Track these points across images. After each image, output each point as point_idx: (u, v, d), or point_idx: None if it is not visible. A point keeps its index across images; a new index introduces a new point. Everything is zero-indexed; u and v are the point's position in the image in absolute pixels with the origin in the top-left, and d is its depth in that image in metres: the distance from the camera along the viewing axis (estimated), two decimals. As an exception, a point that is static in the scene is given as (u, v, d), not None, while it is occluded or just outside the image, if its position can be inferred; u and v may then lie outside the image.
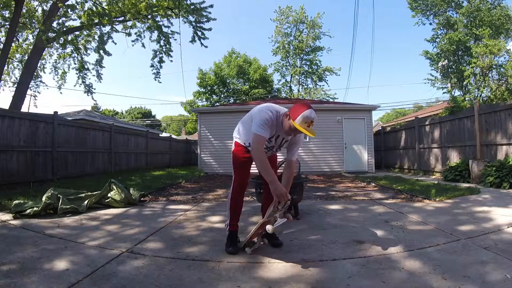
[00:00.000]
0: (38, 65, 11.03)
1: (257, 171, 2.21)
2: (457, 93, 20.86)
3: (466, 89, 19.16)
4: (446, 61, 21.01)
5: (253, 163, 2.26)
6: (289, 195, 2.05)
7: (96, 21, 9.56)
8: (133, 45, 12.04)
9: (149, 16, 10.57)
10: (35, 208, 3.27)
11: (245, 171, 2.31)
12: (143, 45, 11.77)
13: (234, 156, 2.35)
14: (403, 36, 73.02)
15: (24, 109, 10.86)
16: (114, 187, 4.10)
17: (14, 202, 3.42)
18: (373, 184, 6.63)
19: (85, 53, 11.63)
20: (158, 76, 12.36)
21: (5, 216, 3.23)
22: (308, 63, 27.44)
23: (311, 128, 2.02)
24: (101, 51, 10.96)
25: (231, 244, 2.20)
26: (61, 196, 3.55)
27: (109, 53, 11.20)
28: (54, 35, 9.37)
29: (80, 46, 11.31)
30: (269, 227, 1.98)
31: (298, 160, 4.31)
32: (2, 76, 9.74)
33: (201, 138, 11.31)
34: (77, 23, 11.65)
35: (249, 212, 3.57)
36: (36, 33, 10.01)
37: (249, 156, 2.26)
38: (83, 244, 2.38)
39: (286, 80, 28.42)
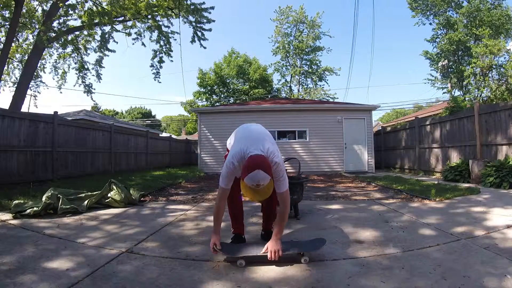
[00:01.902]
0: (38, 65, 11.02)
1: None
2: (457, 93, 20.88)
3: (466, 89, 19.17)
4: (446, 61, 21.01)
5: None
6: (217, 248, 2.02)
7: (96, 21, 9.56)
8: (133, 44, 12.10)
9: (149, 16, 10.57)
10: (35, 208, 3.27)
11: (227, 184, 2.15)
12: (143, 44, 11.78)
13: (226, 159, 2.24)
14: (403, 36, 73.13)
15: (24, 109, 10.88)
16: (114, 187, 4.10)
17: (14, 202, 3.43)
18: (373, 184, 6.63)
19: (85, 53, 11.65)
20: (158, 76, 12.38)
21: (5, 216, 3.23)
22: (308, 63, 27.45)
23: (262, 188, 1.87)
24: (104, 49, 10.98)
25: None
26: (61, 196, 3.55)
27: (112, 50, 11.24)
28: (54, 35, 9.37)
29: (80, 46, 11.33)
30: None
31: (298, 160, 4.33)
32: (2, 76, 9.73)
33: (201, 138, 11.31)
34: (77, 23, 11.68)
35: (249, 212, 3.57)
36: (36, 33, 10.02)
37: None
38: (83, 244, 2.38)
39: (286, 80, 28.45)
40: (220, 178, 2.12)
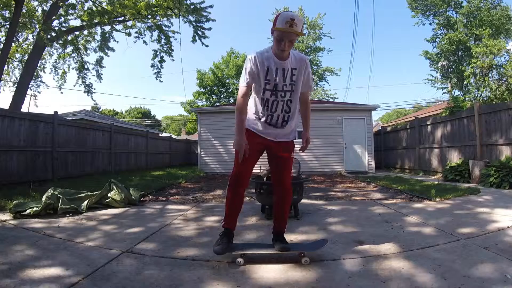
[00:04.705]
0: (38, 65, 11.03)
1: (256, 170, 2.17)
2: (457, 93, 20.89)
3: (466, 89, 19.15)
4: (446, 61, 21.01)
5: (259, 156, 2.20)
6: (246, 146, 1.96)
7: (96, 20, 9.56)
8: (135, 42, 12.08)
9: (149, 16, 10.58)
10: (35, 208, 3.27)
11: (245, 161, 2.03)
12: (144, 42, 11.82)
13: None
14: (403, 36, 73.12)
15: (24, 109, 10.86)
16: (114, 187, 4.09)
17: (14, 202, 3.42)
18: (373, 184, 6.63)
19: (85, 53, 11.65)
20: (159, 75, 12.38)
21: (5, 216, 3.23)
22: (310, 57, 27.41)
23: (295, 28, 1.82)
24: (104, 49, 10.99)
25: (221, 243, 2.01)
26: (61, 196, 3.55)
27: (112, 48, 11.25)
28: (54, 34, 9.37)
29: (80, 46, 11.33)
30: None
31: (298, 160, 4.32)
32: (2, 76, 9.72)
33: (201, 138, 11.31)
34: (77, 23, 11.67)
35: (249, 213, 3.56)
36: (36, 33, 10.01)
37: (254, 141, 2.07)
38: (83, 244, 2.37)
39: (286, 80, 28.37)
40: (240, 80, 2.04)
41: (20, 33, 11.04)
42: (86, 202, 3.73)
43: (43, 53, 10.78)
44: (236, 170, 2.10)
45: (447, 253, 2.10)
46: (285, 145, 2.17)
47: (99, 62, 11.83)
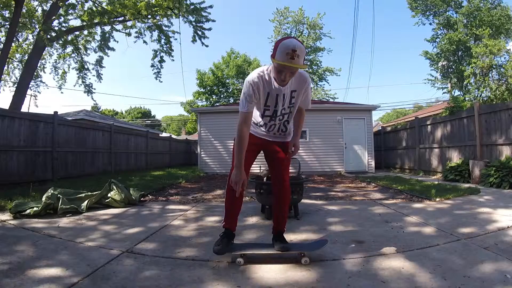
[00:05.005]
0: (38, 65, 11.03)
1: (257, 170, 2.17)
2: (457, 93, 20.90)
3: (466, 89, 19.15)
4: (446, 61, 21.01)
5: (257, 156, 2.18)
6: (246, 181, 1.87)
7: (97, 20, 9.56)
8: (135, 42, 12.11)
9: (149, 16, 10.58)
10: (35, 208, 3.27)
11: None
12: (144, 42, 11.83)
13: (234, 146, 2.13)
14: (403, 36, 73.11)
15: (24, 109, 10.86)
16: (114, 187, 4.09)
17: (14, 202, 3.43)
18: (373, 184, 6.63)
19: (85, 53, 11.65)
20: (159, 75, 12.39)
21: (5, 216, 3.23)
22: (308, 63, 27.42)
23: (297, 60, 1.68)
24: (104, 48, 10.99)
25: (221, 243, 2.01)
26: (61, 196, 3.55)
27: (113, 48, 11.26)
28: (54, 34, 9.37)
29: (80, 46, 11.33)
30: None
31: (298, 160, 4.32)
32: (2, 76, 9.73)
33: (201, 138, 11.31)
34: (77, 23, 11.67)
35: (249, 213, 3.56)
36: (36, 33, 10.02)
37: (251, 142, 2.02)
38: (82, 244, 2.37)
39: (286, 80, 28.38)
40: (239, 104, 1.92)
41: (20, 33, 11.05)
42: (86, 202, 3.73)
43: (43, 53, 10.78)
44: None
45: (447, 253, 2.10)
46: (281, 144, 2.18)
47: (99, 62, 11.83)
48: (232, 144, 2.29)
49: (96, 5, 10.06)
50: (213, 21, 11.65)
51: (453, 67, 21.26)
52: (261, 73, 1.89)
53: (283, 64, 1.69)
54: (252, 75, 1.89)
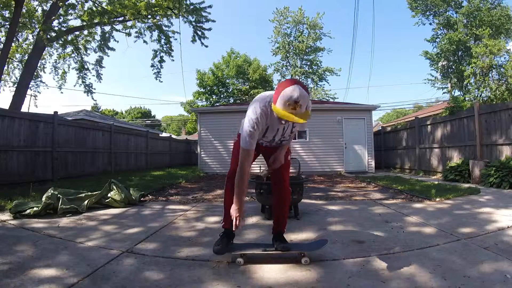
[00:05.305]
0: (38, 65, 11.02)
1: (257, 170, 2.16)
2: (457, 93, 20.89)
3: (466, 89, 19.15)
4: (446, 61, 21.01)
5: (257, 157, 2.17)
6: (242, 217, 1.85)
7: (96, 20, 9.56)
8: (135, 42, 12.16)
9: (149, 16, 10.58)
10: (35, 208, 3.27)
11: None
12: (144, 42, 11.84)
13: (234, 146, 2.18)
14: (403, 36, 73.14)
15: (24, 109, 10.86)
16: (114, 187, 4.09)
17: (14, 202, 3.43)
18: (373, 184, 6.63)
19: (85, 53, 11.65)
20: (159, 75, 12.39)
21: (5, 216, 3.23)
22: (308, 63, 27.44)
23: (299, 111, 1.58)
24: (104, 48, 10.99)
25: (220, 243, 2.01)
26: (61, 196, 3.55)
27: (113, 48, 11.27)
28: (54, 34, 9.37)
29: (80, 46, 11.33)
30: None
31: (298, 160, 4.32)
32: (2, 76, 9.73)
33: (201, 138, 11.31)
34: (77, 23, 11.67)
35: (249, 213, 3.56)
36: (36, 33, 10.02)
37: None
38: (82, 244, 2.37)
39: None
40: (241, 140, 1.85)
41: (20, 33, 11.04)
42: (86, 202, 3.73)
43: (43, 53, 10.78)
44: (233, 168, 2.07)
45: (447, 253, 2.10)
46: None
47: (99, 62, 11.82)
48: (232, 144, 2.31)
49: (96, 5, 10.06)
50: (213, 21, 11.65)
51: (453, 67, 21.26)
52: (264, 108, 1.82)
53: (281, 117, 1.62)
54: (256, 110, 1.81)
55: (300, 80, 1.63)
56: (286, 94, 1.58)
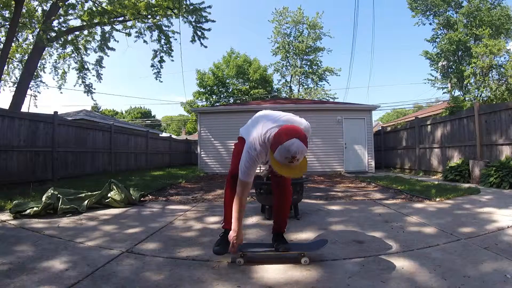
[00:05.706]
0: (38, 65, 11.03)
1: (257, 170, 2.16)
2: (457, 93, 20.87)
3: (466, 89, 19.15)
4: (446, 61, 21.00)
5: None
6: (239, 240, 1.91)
7: (96, 20, 9.56)
8: (135, 42, 12.25)
9: (149, 16, 10.59)
10: (35, 208, 3.27)
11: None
12: (145, 42, 11.86)
13: (234, 148, 2.19)
14: (403, 36, 73.11)
15: (24, 109, 10.87)
16: (114, 187, 4.09)
17: (14, 202, 3.42)
18: (373, 184, 6.63)
19: (85, 53, 11.66)
20: (159, 75, 12.40)
21: (5, 216, 3.23)
22: (308, 63, 27.45)
23: (296, 163, 1.64)
24: (105, 48, 11.00)
25: (221, 243, 2.04)
26: (61, 196, 3.55)
27: (113, 48, 11.28)
28: (54, 34, 9.37)
29: (80, 46, 11.34)
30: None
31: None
32: (2, 76, 9.73)
33: (201, 138, 11.30)
34: (77, 23, 11.67)
35: (249, 213, 3.56)
36: (36, 33, 10.02)
37: None
38: (82, 244, 2.37)
39: (286, 80, 28.45)
40: (240, 171, 1.88)
41: (20, 33, 11.05)
42: (86, 202, 3.73)
43: (43, 53, 10.79)
44: (232, 169, 2.08)
45: (447, 253, 2.10)
46: None
47: (99, 62, 11.83)
48: (232, 144, 2.31)
49: (96, 5, 10.07)
50: (213, 21, 11.67)
51: (453, 67, 21.25)
52: (263, 144, 1.87)
53: (276, 169, 1.69)
54: (255, 146, 1.86)
55: (300, 132, 1.70)
56: (285, 149, 1.62)
